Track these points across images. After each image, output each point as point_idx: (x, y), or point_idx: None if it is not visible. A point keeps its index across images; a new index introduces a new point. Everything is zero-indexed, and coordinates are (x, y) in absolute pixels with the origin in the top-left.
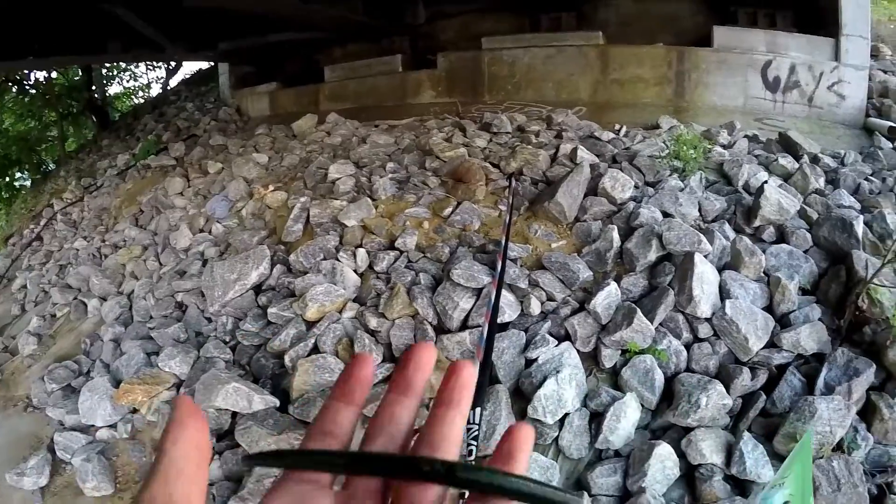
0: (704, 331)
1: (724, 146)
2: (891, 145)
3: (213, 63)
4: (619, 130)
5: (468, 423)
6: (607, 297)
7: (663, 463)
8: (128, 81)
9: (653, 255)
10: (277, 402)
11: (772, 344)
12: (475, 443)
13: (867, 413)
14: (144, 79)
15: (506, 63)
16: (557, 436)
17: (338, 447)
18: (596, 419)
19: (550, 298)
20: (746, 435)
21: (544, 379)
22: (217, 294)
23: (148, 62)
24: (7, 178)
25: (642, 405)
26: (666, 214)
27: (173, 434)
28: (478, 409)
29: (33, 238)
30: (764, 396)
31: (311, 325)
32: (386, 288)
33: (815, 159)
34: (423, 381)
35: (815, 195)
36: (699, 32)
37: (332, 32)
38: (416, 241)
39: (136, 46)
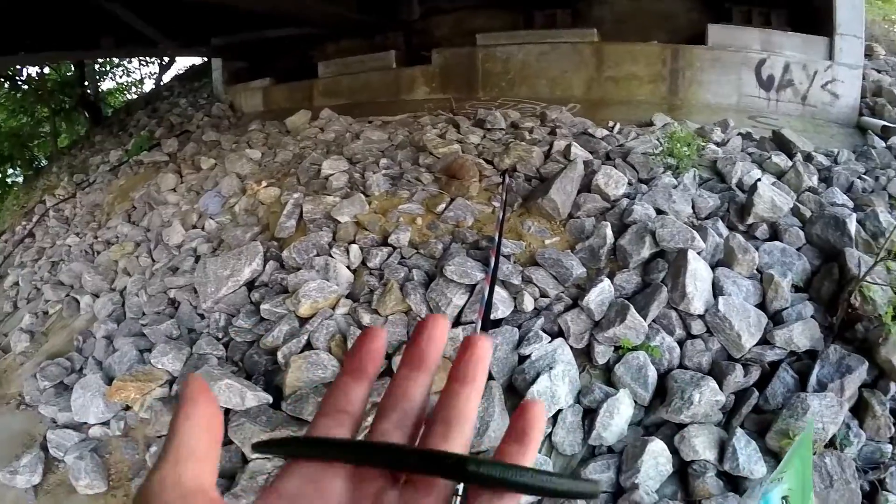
0: (697, 327)
1: (717, 144)
2: (884, 144)
3: (206, 59)
4: (612, 127)
5: None
6: (600, 294)
7: (656, 459)
8: (121, 77)
9: (646, 252)
10: (270, 399)
11: (765, 341)
12: None
13: (859, 410)
14: (137, 74)
15: (500, 60)
16: (550, 432)
17: (350, 423)
18: (589, 415)
19: (544, 295)
20: (739, 431)
21: (537, 375)
22: (210, 290)
23: (141, 58)
24: None
25: (635, 401)
26: (659, 211)
27: (184, 413)
28: None
29: (25, 235)
30: (757, 393)
31: (303, 321)
32: (379, 284)
33: (808, 157)
34: (436, 355)
35: (808, 193)
36: (694, 30)
37: (325, 28)
38: (410, 238)
39: (130, 42)
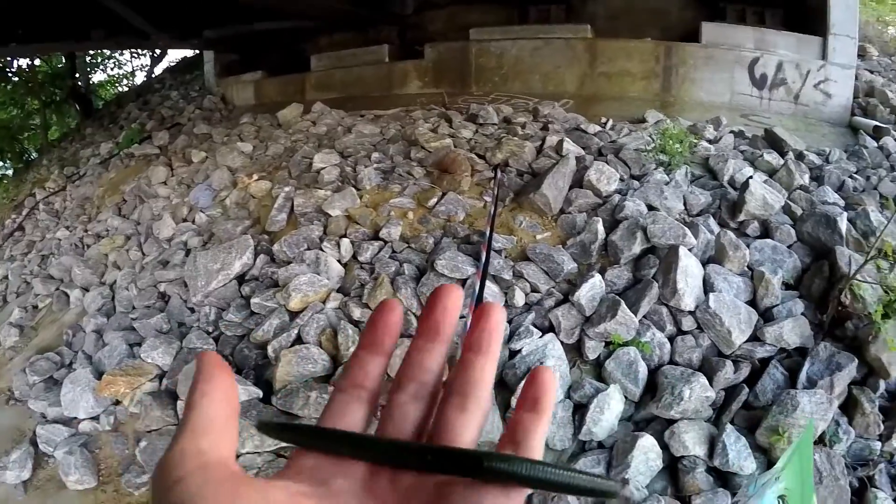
0: (688, 323)
1: (709, 141)
2: (875, 144)
3: (198, 51)
4: (605, 123)
5: None
6: (591, 289)
7: (646, 454)
8: (112, 69)
9: (637, 248)
10: (261, 393)
11: (755, 337)
12: None
13: (849, 407)
14: (129, 67)
15: (493, 54)
16: None
17: (368, 398)
18: (579, 411)
19: (535, 290)
20: (729, 427)
21: (527, 370)
22: (200, 284)
23: (132, 50)
24: None
25: (626, 397)
26: (651, 207)
27: (202, 388)
28: None
29: (15, 228)
30: (747, 389)
31: (294, 315)
32: (370, 278)
33: (800, 156)
34: (451, 325)
35: (799, 191)
36: (687, 28)
37: (319, 21)
38: (401, 232)
39: (121, 34)
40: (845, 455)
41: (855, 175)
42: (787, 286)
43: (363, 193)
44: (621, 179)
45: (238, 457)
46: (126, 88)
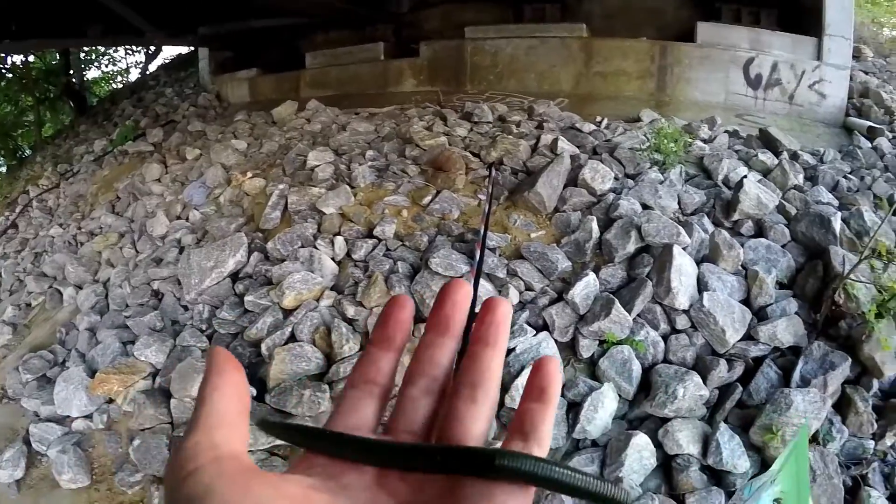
0: (682, 322)
1: (704, 140)
2: (870, 144)
3: (193, 48)
4: (600, 122)
5: None
6: (586, 288)
7: (640, 453)
8: (106, 66)
9: (632, 247)
10: (254, 392)
11: (749, 336)
12: None
13: (842, 406)
14: (123, 63)
15: (488, 53)
16: None
17: (380, 394)
18: (573, 409)
19: (529, 288)
20: (723, 426)
21: (522, 368)
22: (194, 282)
23: (127, 46)
24: None
25: (620, 395)
26: (645, 206)
27: (213, 382)
28: None
29: (8, 226)
30: (740, 388)
31: (287, 313)
32: (364, 276)
33: (794, 156)
34: (460, 319)
35: (793, 191)
36: (683, 27)
37: (314, 19)
38: (395, 230)
39: (116, 31)
40: (839, 454)
41: (849, 175)
42: (780, 285)
43: (357, 191)
44: (616, 178)
45: None
46: (120, 85)
